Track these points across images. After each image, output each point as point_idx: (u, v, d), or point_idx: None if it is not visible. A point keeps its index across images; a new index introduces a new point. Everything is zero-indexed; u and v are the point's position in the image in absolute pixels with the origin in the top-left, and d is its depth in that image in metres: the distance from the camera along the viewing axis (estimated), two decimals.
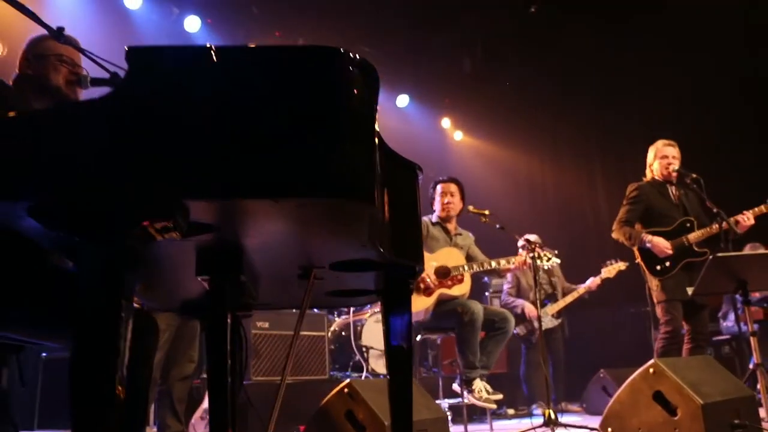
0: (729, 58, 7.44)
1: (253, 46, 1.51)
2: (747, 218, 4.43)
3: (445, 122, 10.00)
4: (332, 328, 6.12)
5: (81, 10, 6.87)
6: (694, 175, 4.60)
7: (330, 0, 8.14)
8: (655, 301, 4.68)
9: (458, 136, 10.07)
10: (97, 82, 2.44)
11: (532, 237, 5.63)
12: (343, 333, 6.20)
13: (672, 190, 4.85)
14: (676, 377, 3.03)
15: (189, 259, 1.91)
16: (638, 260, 4.76)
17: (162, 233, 1.45)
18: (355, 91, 1.55)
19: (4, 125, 1.46)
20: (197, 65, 1.48)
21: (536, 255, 4.32)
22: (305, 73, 1.50)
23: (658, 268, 4.61)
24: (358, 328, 6.06)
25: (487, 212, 4.59)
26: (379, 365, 5.95)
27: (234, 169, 1.41)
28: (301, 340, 5.36)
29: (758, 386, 3.96)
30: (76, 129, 1.45)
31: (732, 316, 6.38)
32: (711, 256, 4.07)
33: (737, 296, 4.13)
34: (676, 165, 4.79)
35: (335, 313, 6.42)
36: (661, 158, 4.85)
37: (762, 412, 3.65)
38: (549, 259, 4.51)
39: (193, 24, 7.56)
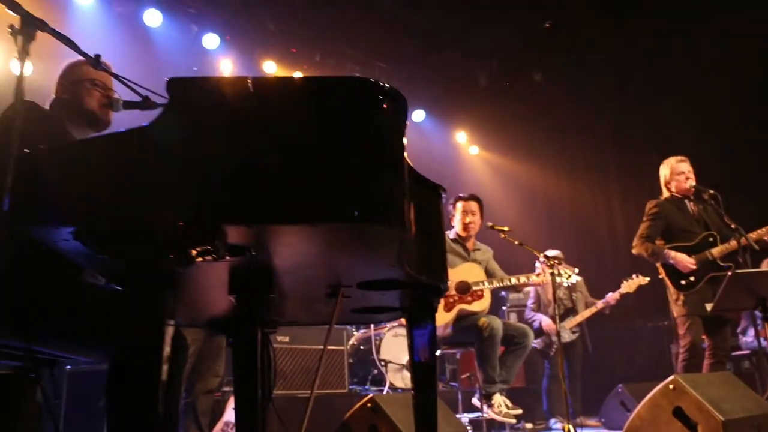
0: (746, 72, 7.45)
1: (288, 77, 1.58)
2: None
3: (461, 137, 10.04)
4: (351, 342, 6.17)
5: (103, 28, 7.01)
6: (712, 191, 4.62)
7: (345, 16, 8.24)
8: (675, 315, 4.69)
9: (474, 150, 10.11)
10: (129, 105, 2.53)
11: (553, 253, 5.65)
12: (362, 347, 6.25)
13: (690, 206, 4.87)
14: (697, 393, 3.04)
15: (221, 278, 1.98)
16: (662, 275, 4.77)
17: (202, 256, 1.51)
18: (387, 120, 1.61)
19: (54, 154, 1.53)
20: (234, 96, 1.55)
21: (556, 272, 4.35)
22: (339, 104, 1.57)
23: (683, 282, 4.63)
24: (377, 342, 6.10)
25: (506, 229, 4.63)
26: (397, 379, 5.98)
27: (272, 195, 1.47)
28: (319, 354, 5.40)
29: None
30: (119, 158, 1.52)
31: (752, 332, 6.36)
32: (730, 273, 4.08)
33: (756, 312, 4.12)
34: (692, 180, 4.82)
35: (354, 327, 6.46)
36: (678, 174, 4.87)
37: None
38: (569, 276, 4.55)
39: (211, 41, 7.66)
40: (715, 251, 4.60)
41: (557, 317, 4.37)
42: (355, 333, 6.41)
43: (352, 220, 1.48)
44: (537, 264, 5.76)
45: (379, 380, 5.96)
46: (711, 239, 4.68)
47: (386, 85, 1.65)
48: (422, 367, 2.35)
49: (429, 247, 2.14)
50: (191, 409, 3.73)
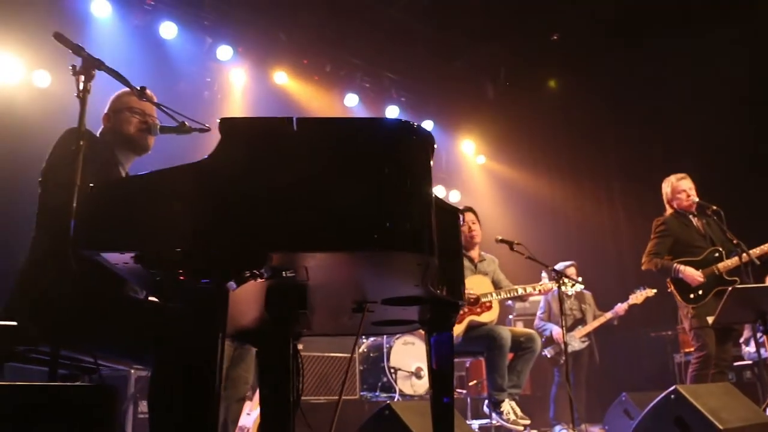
0: (744, 88, 7.59)
1: (329, 118, 1.75)
2: None
3: (468, 146, 10.18)
4: (361, 350, 6.32)
5: (121, 40, 7.18)
6: (715, 207, 4.78)
7: (355, 28, 8.41)
8: (687, 328, 4.85)
9: (481, 160, 10.26)
10: (165, 129, 2.71)
11: (566, 264, 5.79)
12: (372, 354, 6.41)
13: (695, 221, 5.05)
14: (697, 403, 3.20)
15: (256, 293, 2.14)
16: (671, 289, 4.93)
17: (253, 278, 1.68)
18: (417, 156, 1.78)
19: (117, 186, 1.70)
20: (279, 134, 1.72)
21: (561, 282, 4.52)
22: (374, 141, 1.74)
23: (692, 296, 4.80)
24: (387, 350, 6.28)
25: (515, 242, 4.79)
26: (406, 386, 6.14)
27: (314, 225, 1.64)
28: (332, 361, 5.57)
29: None
30: (179, 189, 1.69)
31: (753, 343, 6.52)
32: (731, 288, 4.23)
33: (757, 325, 4.27)
34: (694, 196, 4.98)
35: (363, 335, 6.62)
36: (679, 193, 5.05)
37: None
38: (573, 284, 4.71)
39: (225, 53, 7.84)
40: (722, 266, 4.77)
41: (564, 327, 4.53)
42: (365, 341, 6.57)
43: (385, 248, 1.64)
44: (543, 273, 5.94)
45: (389, 387, 6.12)
46: (717, 254, 4.85)
47: (416, 124, 1.81)
48: (440, 375, 2.49)
49: (449, 265, 2.30)
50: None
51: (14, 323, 2.12)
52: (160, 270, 1.66)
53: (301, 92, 8.68)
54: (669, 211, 5.13)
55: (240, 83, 8.26)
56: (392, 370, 6.07)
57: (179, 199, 1.67)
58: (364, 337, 6.62)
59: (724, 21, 7.39)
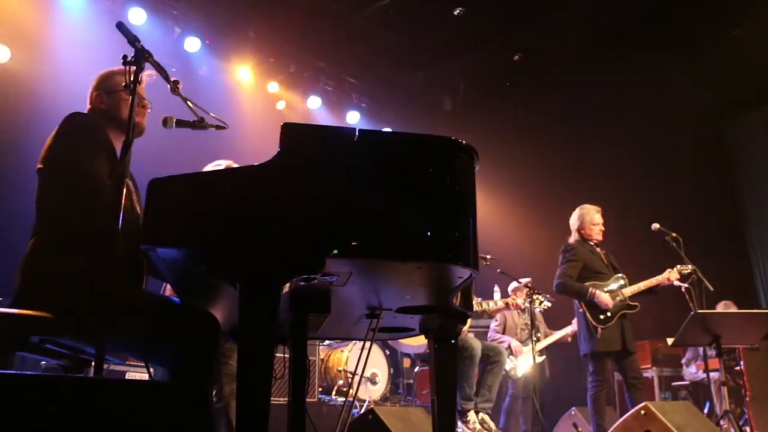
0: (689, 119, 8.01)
1: (388, 131, 1.80)
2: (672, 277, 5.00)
3: None
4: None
5: (87, 20, 6.96)
6: (674, 234, 5.07)
7: (320, 31, 8.41)
8: (588, 350, 5.13)
9: None
10: (182, 123, 2.68)
11: (524, 280, 5.98)
12: (328, 358, 6.43)
13: (598, 250, 5.37)
14: (665, 419, 3.39)
15: (283, 295, 2.17)
16: (582, 310, 5.19)
17: (306, 282, 1.71)
18: (468, 173, 1.85)
19: (180, 183, 1.71)
20: (340, 143, 1.77)
21: (533, 299, 4.68)
22: (427, 157, 1.82)
23: (602, 317, 5.10)
24: (336, 354, 6.34)
25: (488, 257, 4.92)
26: (361, 391, 6.18)
27: (376, 234, 1.69)
28: (286, 362, 5.55)
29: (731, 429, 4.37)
30: (239, 191, 1.71)
31: (694, 365, 6.91)
32: (686, 310, 4.48)
33: (709, 348, 4.55)
34: (602, 232, 5.35)
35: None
36: (596, 224, 5.38)
37: None
38: (541, 302, 4.88)
39: (193, 44, 7.75)
40: (626, 291, 5.12)
41: (533, 341, 4.70)
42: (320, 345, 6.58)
43: (443, 260, 1.71)
44: (496, 288, 6.13)
45: (343, 392, 6.15)
46: (621, 281, 5.21)
47: (464, 141, 1.89)
48: (444, 381, 2.56)
49: None
50: (223, 414, 3.67)
51: (32, 312, 2.06)
52: (216, 269, 1.67)
53: (263, 91, 8.67)
54: (576, 237, 5.41)
55: (205, 76, 8.18)
56: (349, 375, 6.11)
57: (240, 200, 1.69)
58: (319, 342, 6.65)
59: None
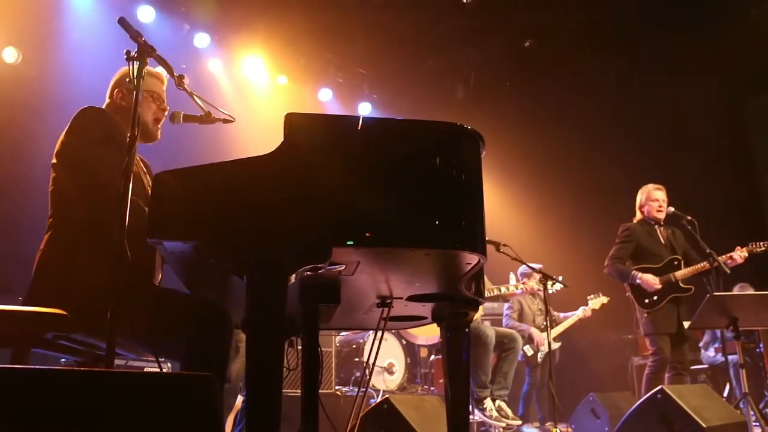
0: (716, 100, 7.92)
1: (390, 118, 1.80)
2: (741, 255, 4.84)
3: None
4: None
5: (96, 20, 7.00)
6: (689, 217, 5.01)
7: (330, 23, 8.40)
8: (643, 332, 5.06)
9: None
10: (189, 118, 2.68)
11: (536, 266, 5.97)
12: (344, 350, 6.45)
13: (660, 231, 5.27)
14: (682, 403, 3.37)
15: (292, 286, 2.17)
16: (628, 294, 5.14)
17: (313, 272, 1.71)
18: (475, 159, 1.84)
19: (186, 177, 1.71)
20: (344, 131, 1.76)
21: (551, 282, 4.66)
22: (432, 143, 1.80)
23: (647, 301, 5.02)
24: (354, 346, 6.35)
25: (502, 243, 4.89)
26: (378, 381, 6.20)
27: (383, 222, 1.69)
28: None
29: (750, 412, 4.33)
30: (244, 183, 1.71)
31: (712, 348, 6.85)
32: (703, 293, 4.44)
33: (727, 331, 4.50)
34: (664, 211, 5.21)
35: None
36: (652, 201, 5.26)
37: None
38: (554, 284, 4.86)
39: (202, 41, 7.79)
40: (679, 274, 5.02)
41: (548, 326, 4.68)
42: (337, 336, 6.60)
43: (452, 247, 1.70)
44: (518, 273, 6.13)
45: (360, 382, 6.16)
46: (675, 263, 5.11)
47: (470, 127, 1.88)
48: (457, 368, 2.56)
49: None
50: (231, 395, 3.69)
51: (46, 309, 2.08)
52: (222, 261, 1.68)
53: (275, 84, 8.69)
54: (638, 217, 5.35)
55: (215, 72, 8.21)
56: (365, 366, 6.12)
57: (246, 192, 1.69)
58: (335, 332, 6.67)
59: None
